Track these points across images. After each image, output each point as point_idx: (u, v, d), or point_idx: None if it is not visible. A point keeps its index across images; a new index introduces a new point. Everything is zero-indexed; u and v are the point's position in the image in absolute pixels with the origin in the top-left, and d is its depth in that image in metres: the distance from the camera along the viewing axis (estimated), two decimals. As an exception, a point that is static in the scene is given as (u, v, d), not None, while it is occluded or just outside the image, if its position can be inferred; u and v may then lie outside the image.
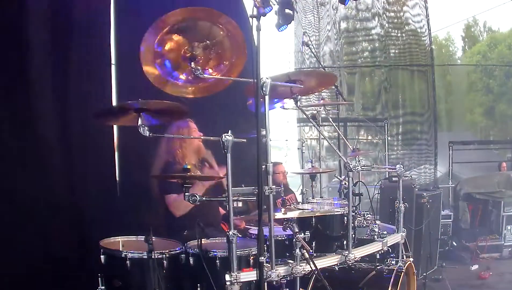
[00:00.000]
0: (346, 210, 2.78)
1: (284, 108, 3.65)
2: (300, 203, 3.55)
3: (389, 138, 8.94)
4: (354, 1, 9.72)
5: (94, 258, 2.72)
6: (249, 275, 2.33)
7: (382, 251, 3.07)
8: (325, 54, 10.58)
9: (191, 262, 2.73)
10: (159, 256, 2.67)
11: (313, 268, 2.47)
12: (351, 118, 10.25)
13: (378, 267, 3.09)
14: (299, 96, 2.77)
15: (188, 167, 2.64)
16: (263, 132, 2.24)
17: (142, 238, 2.81)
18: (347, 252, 2.73)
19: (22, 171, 3.33)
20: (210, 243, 2.97)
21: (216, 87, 2.72)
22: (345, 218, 2.80)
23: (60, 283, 3.33)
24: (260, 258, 2.21)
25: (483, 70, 18.20)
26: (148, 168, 3.63)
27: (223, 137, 2.30)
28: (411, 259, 3.27)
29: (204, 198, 2.44)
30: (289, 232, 2.62)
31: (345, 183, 2.99)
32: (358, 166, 2.75)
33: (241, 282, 2.30)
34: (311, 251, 2.68)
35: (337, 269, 2.78)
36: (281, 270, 2.41)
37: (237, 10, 5.05)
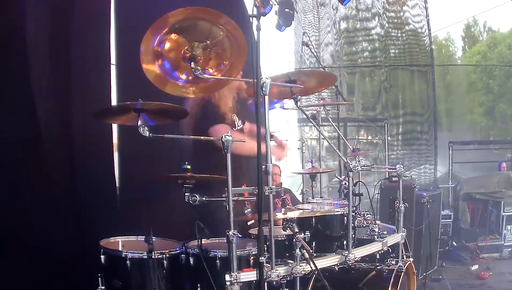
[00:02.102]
0: (346, 210, 2.78)
1: (284, 108, 3.64)
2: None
3: (389, 138, 8.94)
4: (355, 1, 9.72)
5: (94, 258, 2.72)
6: (249, 275, 2.33)
7: (382, 251, 3.07)
8: (325, 54, 10.58)
9: (191, 262, 2.72)
10: (159, 256, 2.67)
11: (313, 268, 2.47)
12: (351, 118, 10.24)
13: (378, 267, 3.09)
14: (299, 96, 2.77)
15: (188, 167, 2.62)
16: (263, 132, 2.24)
17: (142, 238, 2.81)
18: (347, 252, 2.73)
19: (22, 171, 3.33)
20: (210, 243, 2.96)
21: (216, 87, 2.72)
22: (345, 218, 2.80)
23: (60, 283, 3.33)
24: (260, 258, 2.21)
25: (483, 70, 18.18)
26: (148, 168, 3.61)
27: (223, 137, 2.30)
28: (411, 259, 3.27)
29: (204, 198, 2.44)
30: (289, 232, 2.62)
31: (345, 183, 2.98)
32: (358, 166, 2.74)
33: (241, 282, 2.30)
34: (311, 251, 2.68)
35: (337, 269, 2.78)
36: (281, 270, 2.41)
37: (237, 10, 5.04)
